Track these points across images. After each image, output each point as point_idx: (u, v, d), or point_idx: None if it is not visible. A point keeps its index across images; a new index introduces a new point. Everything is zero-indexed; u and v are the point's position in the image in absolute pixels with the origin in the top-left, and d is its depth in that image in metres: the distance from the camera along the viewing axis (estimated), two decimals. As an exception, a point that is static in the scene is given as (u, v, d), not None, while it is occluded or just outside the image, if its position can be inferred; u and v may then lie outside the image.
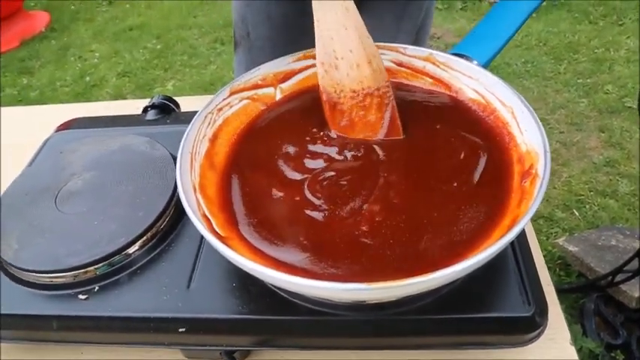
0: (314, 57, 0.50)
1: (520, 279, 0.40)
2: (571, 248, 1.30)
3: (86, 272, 0.44)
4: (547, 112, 1.84)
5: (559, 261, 1.35)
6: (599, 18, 2.28)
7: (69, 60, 2.52)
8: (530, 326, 0.38)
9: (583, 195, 1.54)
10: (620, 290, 1.17)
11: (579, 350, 1.10)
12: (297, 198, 0.43)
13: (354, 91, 0.48)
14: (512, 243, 0.42)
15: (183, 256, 0.45)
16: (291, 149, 0.48)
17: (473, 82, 0.49)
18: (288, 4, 0.75)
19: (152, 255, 0.45)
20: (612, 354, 1.13)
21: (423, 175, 0.44)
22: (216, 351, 0.42)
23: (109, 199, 0.49)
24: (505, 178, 0.42)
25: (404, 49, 0.52)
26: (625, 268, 1.10)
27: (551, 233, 1.45)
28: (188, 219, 0.38)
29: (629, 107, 1.80)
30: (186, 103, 0.64)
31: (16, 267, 0.45)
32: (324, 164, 0.46)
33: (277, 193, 0.43)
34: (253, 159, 0.47)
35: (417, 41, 0.83)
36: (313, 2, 0.46)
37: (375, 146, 0.47)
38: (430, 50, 0.51)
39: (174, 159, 0.50)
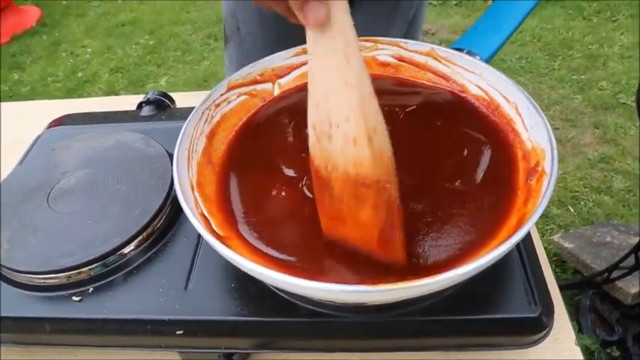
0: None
1: (526, 279, 0.39)
2: (566, 245, 1.30)
3: (80, 273, 0.43)
4: (542, 109, 1.80)
5: (554, 258, 1.35)
6: (593, 14, 2.29)
7: (60, 55, 2.49)
8: (536, 327, 0.37)
9: (578, 191, 1.55)
10: (615, 287, 1.17)
11: (575, 347, 1.10)
12: (298, 196, 0.42)
13: (347, 175, 0.35)
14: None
15: (181, 256, 0.44)
16: (290, 146, 0.46)
17: (475, 78, 0.48)
18: None
19: (148, 255, 0.44)
20: (608, 350, 1.14)
21: (425, 173, 0.43)
22: (215, 354, 0.41)
23: (103, 198, 0.48)
24: (510, 176, 0.41)
25: (405, 43, 0.51)
26: (621, 265, 1.10)
27: (547, 230, 1.45)
28: (185, 218, 0.37)
29: (624, 103, 1.81)
30: (181, 99, 0.63)
31: (7, 268, 0.43)
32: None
33: (277, 192, 0.42)
34: (252, 156, 0.46)
35: (407, 36, 0.82)
36: (308, 35, 0.35)
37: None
38: (432, 45, 0.50)
39: (170, 156, 0.48)
